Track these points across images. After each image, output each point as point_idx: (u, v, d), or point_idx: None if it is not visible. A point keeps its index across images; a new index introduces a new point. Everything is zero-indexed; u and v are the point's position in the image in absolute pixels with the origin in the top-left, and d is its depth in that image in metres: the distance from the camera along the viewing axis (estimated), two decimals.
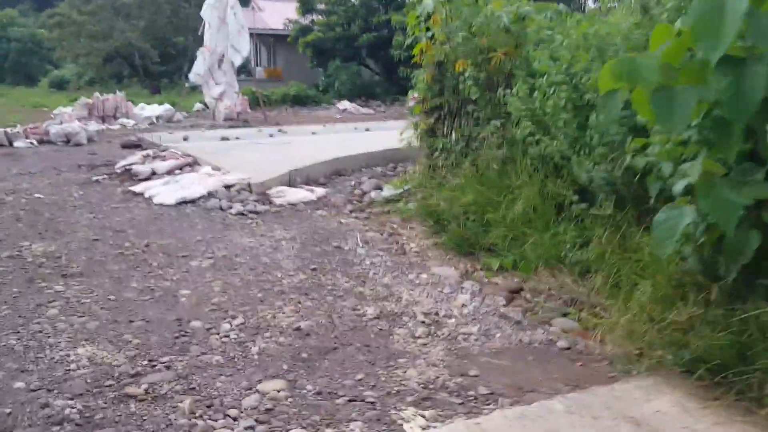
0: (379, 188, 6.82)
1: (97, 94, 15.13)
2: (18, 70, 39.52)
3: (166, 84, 28.49)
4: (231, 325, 3.20)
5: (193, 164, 7.63)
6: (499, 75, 4.90)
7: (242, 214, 5.70)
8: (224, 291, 3.74)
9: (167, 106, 15.38)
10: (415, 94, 6.64)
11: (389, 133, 10.73)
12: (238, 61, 14.77)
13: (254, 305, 3.50)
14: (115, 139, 11.00)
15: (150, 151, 8.40)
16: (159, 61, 30.17)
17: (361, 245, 4.72)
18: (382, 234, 5.08)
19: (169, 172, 7.40)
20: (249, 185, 6.35)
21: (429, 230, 4.94)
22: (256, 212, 5.76)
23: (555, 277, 3.58)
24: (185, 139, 9.58)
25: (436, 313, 3.31)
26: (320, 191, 6.61)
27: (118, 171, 7.52)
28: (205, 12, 14.53)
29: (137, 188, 6.56)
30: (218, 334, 3.10)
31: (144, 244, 4.71)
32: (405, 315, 3.31)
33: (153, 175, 7.28)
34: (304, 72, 23.86)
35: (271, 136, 10.31)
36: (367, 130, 11.28)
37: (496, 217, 4.25)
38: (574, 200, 3.38)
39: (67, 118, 12.72)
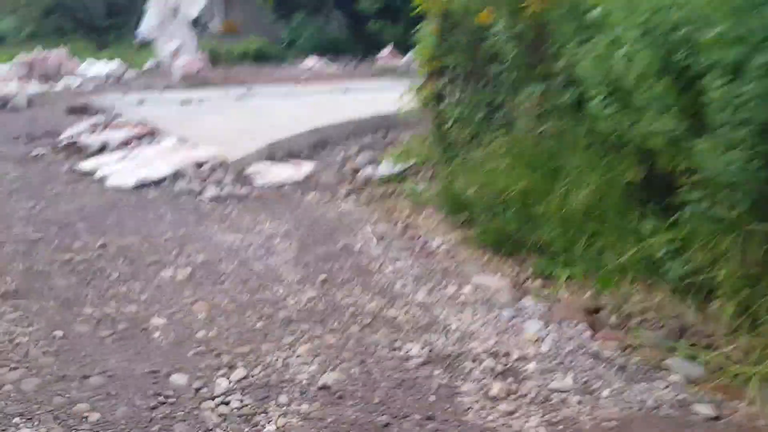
0: (374, 163, 5.90)
1: (38, 49, 13.60)
2: None
3: (113, 39, 26.51)
4: (229, 382, 2.30)
5: (152, 134, 6.54)
6: (539, 28, 3.99)
7: (219, 199, 4.72)
8: (211, 319, 2.83)
9: (118, 62, 13.93)
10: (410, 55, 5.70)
11: (373, 95, 9.75)
12: (194, 13, 13.45)
13: (256, 343, 2.60)
14: (58, 102, 9.68)
15: (100, 118, 7.25)
16: (105, 14, 28.05)
17: (374, 243, 3.83)
18: (394, 225, 4.20)
19: (125, 145, 6.31)
20: (223, 163, 5.35)
21: (452, 221, 4.08)
22: (236, 197, 4.79)
23: (648, 294, 2.78)
24: (141, 102, 8.41)
25: (506, 354, 2.47)
26: (306, 168, 5.65)
27: (63, 143, 6.38)
28: None
29: (87, 166, 5.48)
30: (212, 398, 2.21)
31: (99, 245, 3.73)
32: (464, 357, 2.46)
33: (105, 148, 6.19)
34: (265, 26, 22.33)
35: (239, 98, 9.19)
36: (347, 91, 10.24)
37: (548, 209, 3.41)
38: (694, 197, 2.54)
39: (2, 78, 11.29)
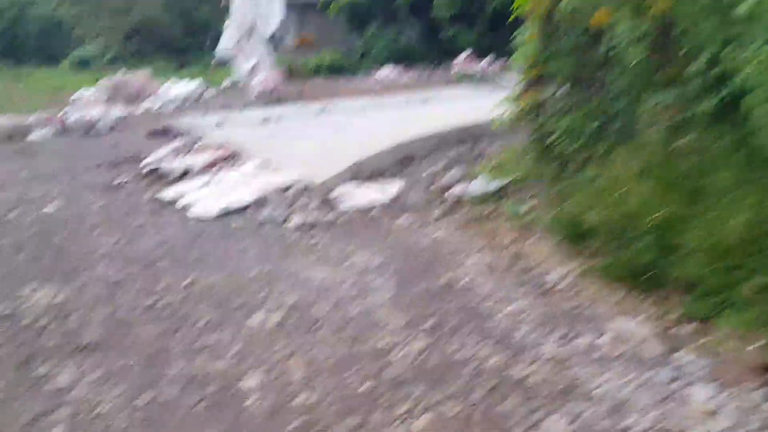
0: (465, 179, 5.46)
1: (122, 71, 13.95)
2: (39, 51, 38.65)
3: (193, 58, 27.26)
4: None
5: (233, 158, 6.34)
6: (666, 27, 3.46)
7: (304, 227, 4.41)
8: (309, 380, 2.47)
9: (197, 82, 14.12)
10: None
11: (453, 105, 9.35)
12: (270, 30, 13.40)
13: (364, 412, 2.22)
14: (139, 125, 9.76)
15: (181, 142, 7.14)
16: (183, 35, 28.91)
17: (481, 277, 3.39)
18: (500, 255, 3.74)
19: (207, 169, 6.14)
20: (307, 187, 5.04)
21: (568, 249, 3.59)
22: (322, 224, 4.46)
23: None
24: (221, 123, 8.29)
25: None
26: (393, 188, 5.28)
27: (145, 171, 6.27)
28: None
29: (169, 194, 5.30)
30: None
31: (183, 285, 3.47)
32: None
33: (186, 174, 6.03)
34: (338, 39, 22.35)
35: (316, 115, 8.96)
36: (426, 101, 9.85)
37: (692, 237, 2.88)
38: None
39: (87, 102, 11.56)
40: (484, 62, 16.46)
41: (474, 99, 10.13)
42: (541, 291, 3.17)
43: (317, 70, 17.16)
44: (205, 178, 5.63)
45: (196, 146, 6.86)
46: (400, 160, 6.36)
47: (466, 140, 7.22)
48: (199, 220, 4.70)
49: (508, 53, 15.98)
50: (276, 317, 3.03)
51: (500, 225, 4.30)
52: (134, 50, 30.12)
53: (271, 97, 12.64)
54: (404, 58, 18.62)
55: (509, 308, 3.00)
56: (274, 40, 14.53)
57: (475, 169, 5.78)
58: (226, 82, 15.78)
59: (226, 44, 13.08)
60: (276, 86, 13.28)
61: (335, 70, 17.58)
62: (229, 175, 5.58)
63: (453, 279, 3.40)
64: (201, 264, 3.81)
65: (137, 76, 13.52)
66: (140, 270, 3.74)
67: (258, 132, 7.45)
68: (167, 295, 3.35)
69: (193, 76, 15.50)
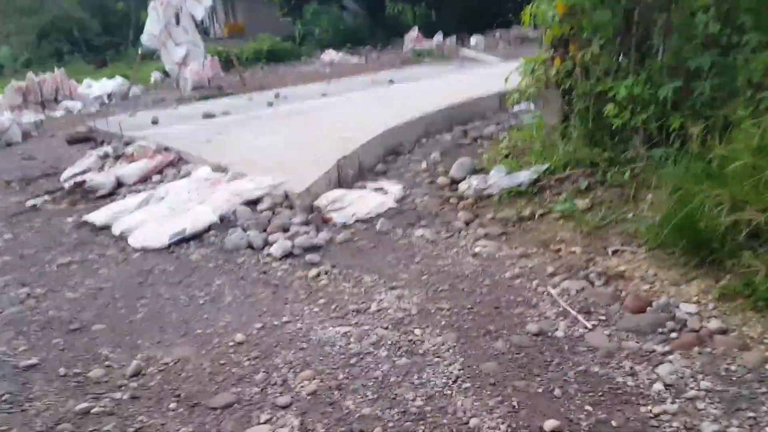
0: (475, 171, 4.39)
1: (30, 74, 12.20)
2: None
3: (112, 56, 25.16)
4: None
5: (177, 163, 5.07)
6: None
7: (293, 255, 3.22)
8: None
9: (119, 79, 12.50)
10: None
11: (425, 83, 8.21)
12: (199, 14, 11.90)
13: None
14: (59, 130, 8.25)
15: (109, 147, 5.77)
16: (101, 32, 26.71)
17: (586, 323, 2.30)
18: (584, 276, 2.66)
19: (144, 180, 4.85)
20: (286, 195, 3.84)
21: (677, 263, 2.55)
22: (316, 249, 3.28)
23: None
24: (154, 122, 6.92)
25: None
26: (393, 189, 4.14)
27: (67, 186, 4.92)
28: None
29: (99, 217, 4.00)
30: None
31: (130, 373, 2.25)
32: None
33: (119, 187, 4.73)
34: (271, 23, 20.84)
35: (270, 105, 7.68)
36: (391, 82, 8.71)
37: None
38: None
39: None
40: (437, 39, 15.41)
41: (443, 76, 9.05)
42: (687, 343, 2.11)
43: (255, 58, 15.72)
44: (144, 193, 4.35)
45: (128, 151, 5.52)
46: (389, 152, 5.23)
47: (457, 123, 6.14)
48: (146, 251, 3.45)
49: (457, 29, 14.87)
50: (289, 427, 1.86)
51: (554, 230, 3.23)
52: (49, 52, 27.72)
53: (210, 89, 11.24)
54: (348, 39, 17.37)
55: (659, 380, 1.92)
56: (200, 28, 13.01)
57: (484, 157, 4.70)
58: (154, 76, 14.18)
59: (151, 30, 11.51)
60: (213, 76, 11.87)
61: (275, 56, 16.18)
62: (175, 187, 4.31)
63: (543, 326, 2.30)
64: (155, 327, 2.59)
65: (51, 78, 11.83)
66: (61, 344, 2.49)
67: (203, 129, 6.13)
68: (104, 393, 2.13)
69: (116, 73, 13.85)
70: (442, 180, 4.45)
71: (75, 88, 11.79)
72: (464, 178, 4.35)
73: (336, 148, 4.67)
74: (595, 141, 3.64)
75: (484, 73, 9.00)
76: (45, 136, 8.11)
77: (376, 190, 4.13)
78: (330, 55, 15.64)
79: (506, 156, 4.55)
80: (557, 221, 3.32)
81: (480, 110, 6.53)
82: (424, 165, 4.88)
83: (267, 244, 3.34)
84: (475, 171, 4.42)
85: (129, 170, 4.88)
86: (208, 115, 6.98)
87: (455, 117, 6.21)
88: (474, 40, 15.34)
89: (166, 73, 13.09)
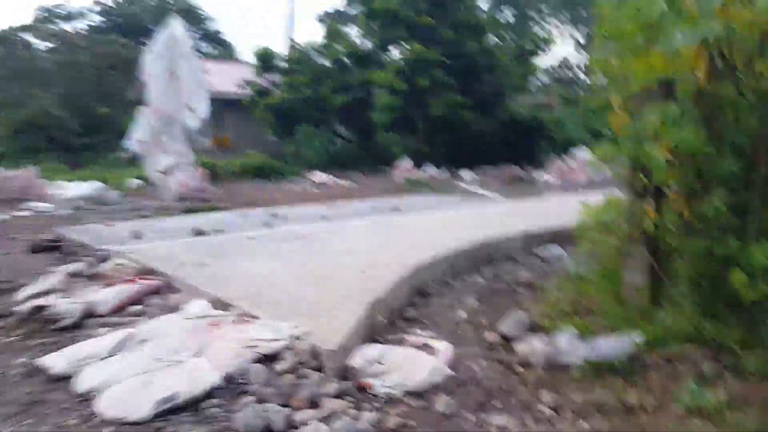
0: (531, 329, 3.61)
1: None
2: None
3: (89, 159, 24.55)
4: None
5: (164, 291, 4.16)
6: None
7: None
8: None
9: (96, 183, 11.70)
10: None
11: (433, 216, 7.56)
12: (193, 125, 11.42)
13: None
14: (22, 233, 7.28)
15: (81, 264, 4.85)
16: (81, 133, 26.26)
17: None
18: None
19: (120, 309, 3.91)
20: (313, 352, 2.94)
21: None
22: None
23: None
24: (136, 235, 6.06)
25: None
26: (442, 347, 3.29)
27: (23, 311, 3.93)
28: (149, 63, 11.25)
29: (58, 363, 3.02)
30: None
31: None
32: None
33: (88, 318, 3.77)
34: (259, 141, 20.64)
35: (267, 225, 6.91)
36: (396, 210, 8.08)
37: None
38: None
39: None
40: (429, 170, 15.18)
41: (449, 209, 8.47)
42: None
43: (243, 172, 15.20)
44: (120, 330, 3.40)
45: (103, 269, 4.61)
46: (415, 292, 4.43)
47: (482, 263, 5.44)
48: (121, 425, 2.47)
49: (446, 161, 14.66)
50: None
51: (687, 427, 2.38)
52: (23, 148, 27.07)
53: (194, 201, 10.51)
54: (336, 163, 17.10)
55: None
56: (195, 137, 12.52)
57: (533, 310, 3.94)
58: (133, 183, 13.44)
59: (139, 135, 10.91)
60: (199, 188, 11.18)
61: (263, 173, 15.70)
62: (162, 326, 3.38)
63: None
64: None
65: (21, 175, 11.03)
66: None
67: (194, 249, 5.28)
68: None
69: (91, 178, 13.07)
70: (490, 336, 3.64)
71: (45, 189, 10.95)
72: (520, 337, 3.56)
73: (359, 286, 3.86)
74: (711, 313, 2.90)
75: (492, 210, 8.46)
76: (5, 239, 7.13)
77: (421, 347, 3.27)
78: (320, 176, 15.22)
79: (567, 313, 3.80)
80: (686, 419, 2.48)
81: (505, 250, 5.85)
82: (462, 314, 4.09)
83: (292, 427, 2.41)
84: (531, 328, 3.64)
85: (103, 296, 3.95)
86: (199, 232, 6.16)
87: (479, 256, 5.51)
88: (466, 174, 15.14)
89: (145, 181, 12.37)
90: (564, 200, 9.33)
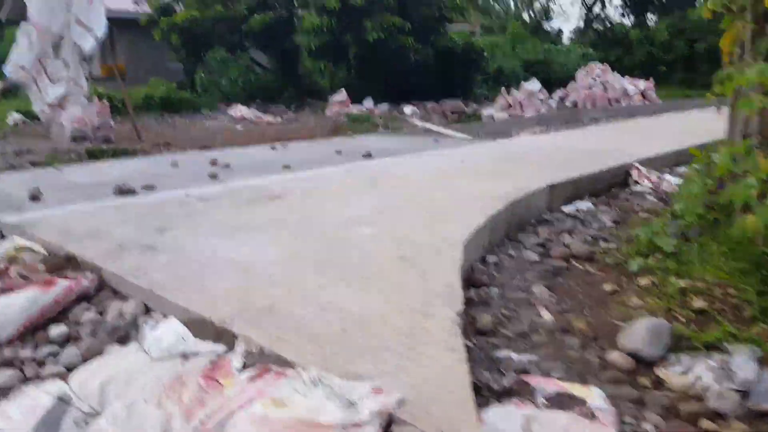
0: (661, 332, 2.52)
1: None
2: None
3: None
4: None
5: (97, 295, 2.69)
6: None
7: None
8: None
9: None
10: None
11: (416, 162, 5.99)
12: (88, 46, 9.35)
13: None
14: None
15: None
16: None
17: None
18: None
19: (33, 331, 2.43)
20: None
21: None
22: None
23: None
24: (34, 197, 4.38)
25: None
26: (596, 401, 2.09)
27: None
28: None
29: None
30: None
31: None
32: None
33: None
34: (159, 69, 18.23)
35: (214, 177, 5.37)
36: (368, 156, 6.71)
37: None
38: None
39: None
40: (367, 104, 13.70)
41: (426, 153, 7.17)
42: None
43: (146, 106, 13.11)
44: (38, 388, 1.96)
45: None
46: (468, 285, 3.20)
47: (513, 227, 4.28)
48: None
49: (382, 94, 13.13)
50: None
51: None
52: None
53: (95, 143, 8.63)
54: (257, 95, 15.23)
55: None
56: (89, 62, 10.36)
57: (651, 306, 2.85)
58: (13, 118, 11.19)
59: (18, 59, 8.78)
60: (100, 125, 9.24)
61: (170, 106, 13.66)
62: (117, 380, 1.98)
63: None
64: None
65: None
66: None
67: (127, 218, 3.75)
68: None
69: None
70: (618, 359, 2.49)
71: None
72: (663, 358, 2.45)
73: (414, 285, 2.57)
74: None
75: (477, 155, 7.23)
76: None
77: (563, 400, 2.06)
78: (240, 110, 13.40)
79: (700, 312, 2.74)
80: None
81: (535, 210, 4.72)
82: (545, 314, 2.92)
83: None
84: (665, 348, 2.53)
85: (2, 311, 2.44)
86: (124, 190, 4.55)
87: (511, 221, 4.33)
88: (408, 109, 13.83)
89: (30, 116, 10.22)
90: (540, 140, 8.28)
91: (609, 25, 34.22)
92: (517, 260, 3.76)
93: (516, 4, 38.97)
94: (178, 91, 14.39)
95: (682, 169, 6.69)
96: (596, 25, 34.95)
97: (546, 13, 36.75)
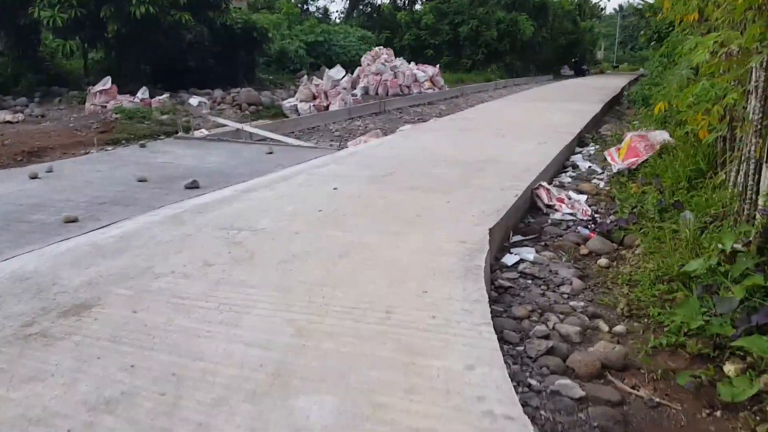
0: None
1: None
2: None
3: None
4: None
5: None
6: None
7: None
8: None
9: None
10: None
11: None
12: None
13: None
14: None
15: None
16: None
17: None
18: None
19: None
20: None
21: None
22: None
23: None
24: None
25: None
26: None
27: None
28: None
29: None
30: None
31: None
32: None
33: None
34: None
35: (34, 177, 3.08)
36: (194, 186, 4.74)
37: None
38: None
39: None
40: (141, 94, 11.09)
41: (290, 173, 5.38)
42: None
43: None
44: None
45: None
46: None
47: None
48: None
49: (151, 82, 10.71)
50: None
51: None
52: None
53: None
54: None
55: None
56: None
57: None
58: None
59: None
60: None
61: None
62: None
63: None
64: None
65: None
66: None
67: None
68: None
69: None
70: None
71: None
72: None
73: None
74: None
75: (338, 170, 5.63)
76: None
77: None
78: None
79: None
80: None
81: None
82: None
83: None
84: None
85: None
86: None
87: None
88: (194, 100, 11.56)
89: None
90: (397, 146, 6.96)
91: (377, 5, 34.22)
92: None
93: None
94: None
95: (566, 180, 5.85)
96: (362, 7, 34.67)
97: None
